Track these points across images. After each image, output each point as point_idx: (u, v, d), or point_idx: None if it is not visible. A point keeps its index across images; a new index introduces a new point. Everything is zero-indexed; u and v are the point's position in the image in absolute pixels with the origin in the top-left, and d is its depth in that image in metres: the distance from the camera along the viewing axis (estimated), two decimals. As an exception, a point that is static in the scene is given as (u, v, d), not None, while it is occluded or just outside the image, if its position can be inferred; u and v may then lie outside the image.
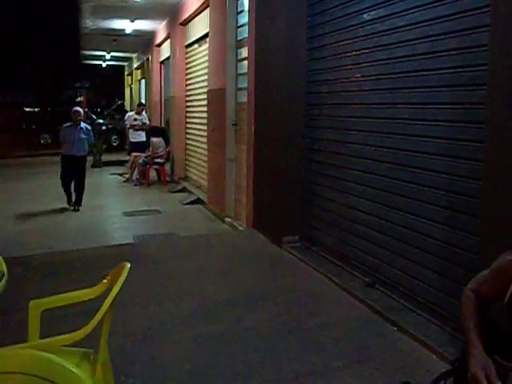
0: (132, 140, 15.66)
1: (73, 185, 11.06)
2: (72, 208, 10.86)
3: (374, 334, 4.59)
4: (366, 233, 5.70)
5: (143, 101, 23.83)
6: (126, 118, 16.82)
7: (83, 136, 10.98)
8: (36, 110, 40.90)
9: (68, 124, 11.07)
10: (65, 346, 2.89)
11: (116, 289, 2.79)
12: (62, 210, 10.79)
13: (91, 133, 11.45)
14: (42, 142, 26.92)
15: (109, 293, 2.85)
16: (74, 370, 2.65)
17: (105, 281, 3.14)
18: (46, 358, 2.63)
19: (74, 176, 10.95)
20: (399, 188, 5.10)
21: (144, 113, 16.44)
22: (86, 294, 3.18)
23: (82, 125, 11.09)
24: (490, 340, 2.51)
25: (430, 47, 4.67)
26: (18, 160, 20.97)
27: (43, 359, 2.63)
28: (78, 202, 10.97)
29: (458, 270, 4.35)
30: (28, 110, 41.88)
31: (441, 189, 4.55)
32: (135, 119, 15.67)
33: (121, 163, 16.10)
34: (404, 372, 4.00)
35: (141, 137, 15.58)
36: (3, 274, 3.32)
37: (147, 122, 16.11)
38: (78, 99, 29.49)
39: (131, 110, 21.50)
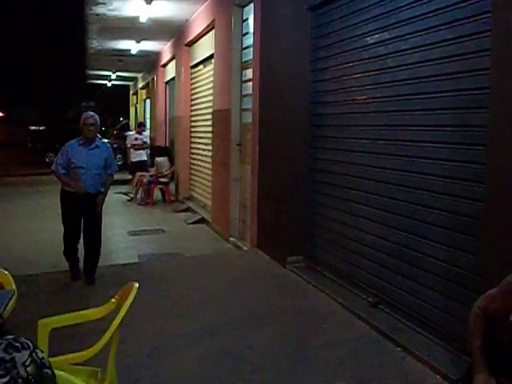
0: (132, 159, 15.82)
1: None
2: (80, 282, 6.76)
3: (378, 353, 4.62)
4: (369, 253, 5.73)
5: (148, 120, 23.99)
6: (127, 137, 16.98)
7: (101, 161, 6.69)
8: (41, 128, 41.11)
9: (74, 140, 6.69)
10: (73, 364, 2.94)
11: (124, 309, 2.84)
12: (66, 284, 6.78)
13: (113, 156, 7.02)
14: (48, 160, 27.03)
15: (117, 312, 2.90)
16: (83, 387, 2.70)
17: (113, 300, 3.19)
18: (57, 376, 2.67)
19: (84, 226, 6.76)
20: (402, 209, 5.14)
21: (144, 132, 16.59)
22: (94, 313, 3.23)
23: (98, 141, 6.86)
24: (496, 360, 2.54)
25: (432, 70, 4.74)
26: (24, 178, 21.05)
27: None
28: (92, 273, 6.78)
29: (461, 291, 4.38)
30: (33, 128, 42.11)
31: (443, 210, 4.60)
32: (136, 138, 15.83)
33: (125, 182, 16.18)
34: (407, 392, 4.03)
35: (141, 156, 15.75)
36: (13, 293, 3.38)
37: (148, 142, 16.26)
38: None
39: (130, 130, 21.70)
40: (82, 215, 6.70)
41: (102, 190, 6.78)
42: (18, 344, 1.66)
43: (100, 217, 6.84)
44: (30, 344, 1.69)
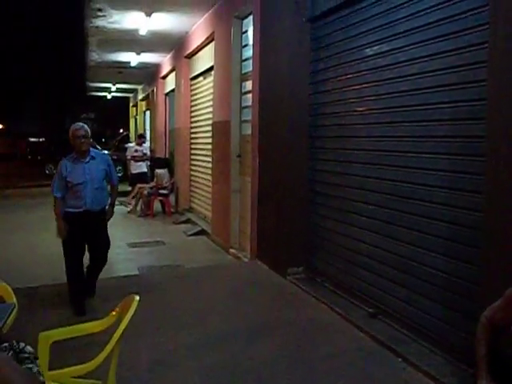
0: (133, 171, 15.82)
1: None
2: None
3: (378, 364, 4.62)
4: (369, 264, 5.74)
5: (148, 132, 24.04)
6: (127, 149, 17.03)
7: (100, 173, 6.25)
8: (41, 140, 41.23)
9: (67, 158, 6.19)
10: (74, 377, 2.95)
11: (125, 322, 2.85)
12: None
13: (113, 166, 6.56)
14: (48, 172, 27.11)
15: (118, 325, 2.91)
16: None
17: (114, 313, 3.20)
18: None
19: (91, 246, 6.29)
20: (401, 219, 5.16)
21: (145, 144, 16.61)
22: (95, 326, 3.24)
23: (93, 152, 6.29)
24: (501, 371, 2.56)
25: (430, 82, 4.77)
26: (24, 190, 21.07)
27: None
28: (93, 285, 6.48)
29: (461, 301, 4.39)
30: (33, 140, 42.23)
31: (442, 220, 4.61)
32: (136, 150, 15.85)
33: (125, 194, 16.20)
34: (408, 403, 4.03)
35: (141, 168, 15.74)
36: (14, 306, 3.39)
37: (148, 153, 16.27)
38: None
39: (130, 142, 21.77)
40: (87, 236, 6.15)
41: (107, 206, 6.40)
42: (6, 345, 1.80)
43: (107, 235, 6.44)
44: (15, 342, 1.83)
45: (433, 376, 4.26)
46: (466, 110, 4.36)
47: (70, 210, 6.10)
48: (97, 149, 6.46)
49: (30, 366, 1.85)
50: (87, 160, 6.14)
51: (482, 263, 4.05)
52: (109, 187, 6.58)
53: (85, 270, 6.36)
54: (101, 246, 6.37)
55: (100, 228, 6.34)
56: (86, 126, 6.20)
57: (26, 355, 1.88)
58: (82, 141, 6.05)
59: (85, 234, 6.12)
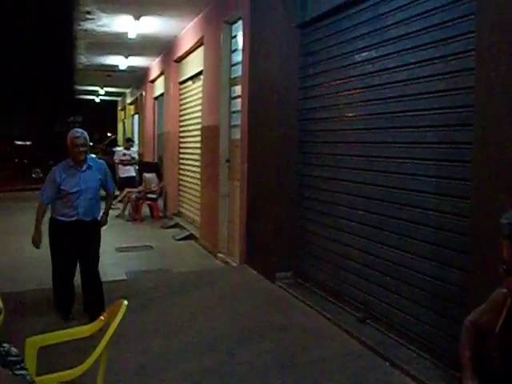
0: (121, 175, 15.76)
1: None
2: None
3: (367, 368, 4.63)
4: (357, 269, 5.75)
5: (136, 136, 23.98)
6: (114, 153, 17.00)
7: (96, 183, 5.98)
8: (27, 143, 40.91)
9: (62, 165, 5.89)
10: (61, 382, 2.93)
11: (113, 327, 2.84)
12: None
13: (109, 174, 6.28)
14: (34, 176, 26.93)
15: (106, 330, 2.90)
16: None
17: (102, 318, 3.18)
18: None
19: (80, 260, 5.95)
20: (390, 225, 5.17)
21: (133, 148, 16.59)
22: (83, 331, 3.23)
23: (90, 160, 6.01)
24: (486, 374, 2.57)
25: (418, 88, 4.79)
26: (10, 194, 20.93)
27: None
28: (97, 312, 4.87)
29: (448, 306, 4.41)
30: (19, 143, 41.89)
31: (430, 226, 4.63)
32: (124, 154, 15.82)
33: (114, 198, 16.12)
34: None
35: (130, 172, 15.70)
36: (1, 311, 3.36)
37: (136, 157, 16.23)
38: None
39: (118, 146, 21.71)
40: (78, 245, 5.85)
41: (99, 217, 6.08)
42: None
43: (98, 246, 6.09)
44: None
45: (421, 380, 4.28)
46: (454, 116, 4.38)
47: (62, 218, 5.83)
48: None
49: (23, 372, 1.84)
50: (84, 169, 5.84)
51: (470, 268, 4.07)
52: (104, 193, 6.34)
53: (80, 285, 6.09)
54: (91, 257, 5.98)
55: (92, 239, 6.01)
56: (85, 134, 5.87)
57: (13, 358, 1.88)
58: (81, 150, 5.75)
59: (76, 243, 5.84)
